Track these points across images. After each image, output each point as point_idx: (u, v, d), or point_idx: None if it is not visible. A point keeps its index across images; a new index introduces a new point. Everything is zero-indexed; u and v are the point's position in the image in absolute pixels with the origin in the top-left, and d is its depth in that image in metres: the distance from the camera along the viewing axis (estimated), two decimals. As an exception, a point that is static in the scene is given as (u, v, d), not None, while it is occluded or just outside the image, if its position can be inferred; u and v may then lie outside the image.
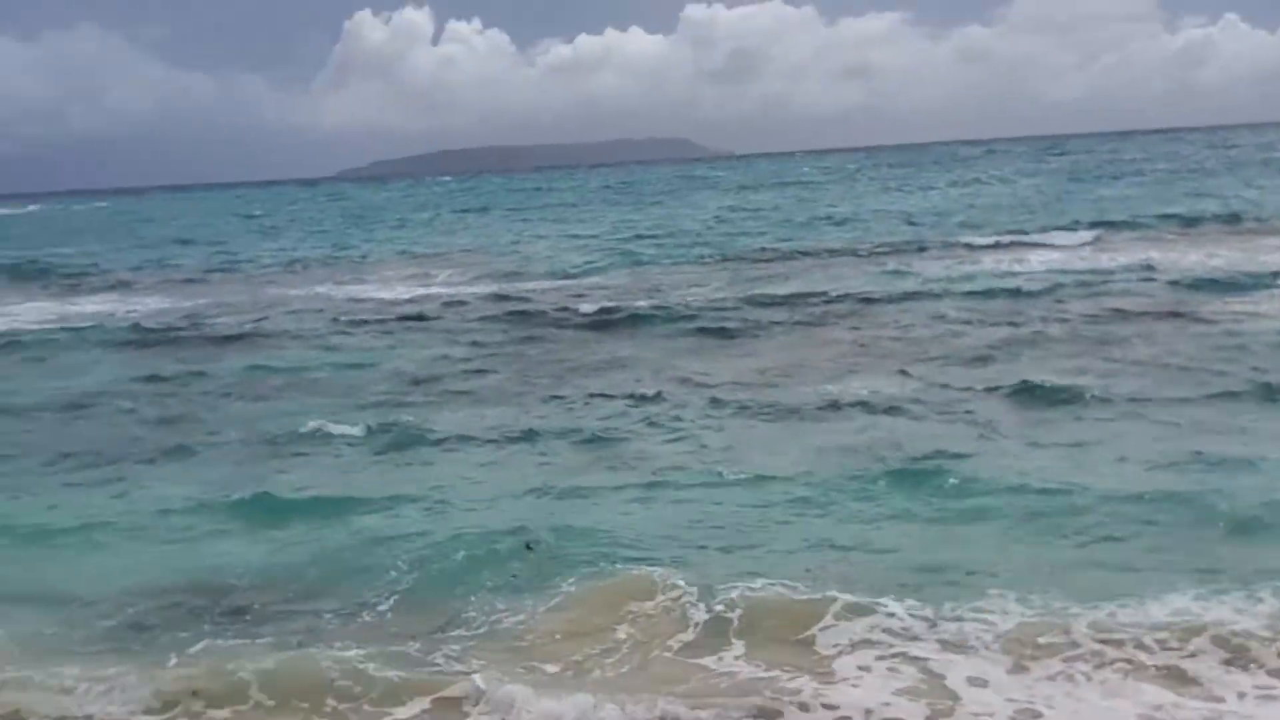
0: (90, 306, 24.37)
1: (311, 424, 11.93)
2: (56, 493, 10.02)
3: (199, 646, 6.69)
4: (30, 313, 23.53)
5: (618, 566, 7.48)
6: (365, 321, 19.66)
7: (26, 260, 36.21)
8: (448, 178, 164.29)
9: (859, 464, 9.62)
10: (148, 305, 24.16)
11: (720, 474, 9.54)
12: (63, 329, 20.31)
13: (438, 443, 11.00)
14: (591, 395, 12.88)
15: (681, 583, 7.11)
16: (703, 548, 7.86)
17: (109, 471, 10.71)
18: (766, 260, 26.82)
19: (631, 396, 12.70)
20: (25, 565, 8.15)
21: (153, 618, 7.10)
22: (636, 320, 18.18)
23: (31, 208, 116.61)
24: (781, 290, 20.67)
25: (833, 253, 27.39)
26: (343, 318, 20.49)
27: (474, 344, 17.05)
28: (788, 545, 7.86)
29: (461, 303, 21.50)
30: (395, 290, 24.59)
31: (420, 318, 19.77)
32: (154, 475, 10.54)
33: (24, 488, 10.30)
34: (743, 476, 9.43)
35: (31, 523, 9.17)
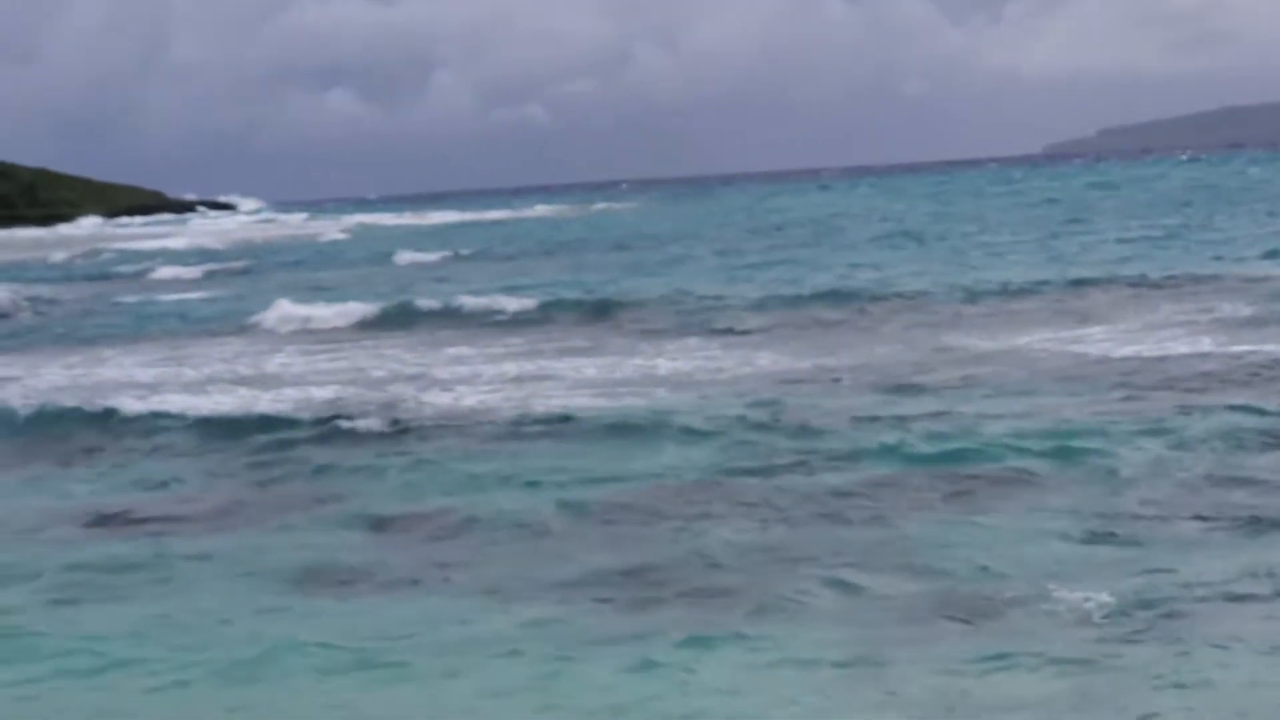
0: (665, 362, 26.19)
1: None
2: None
3: None
4: (566, 371, 25.60)
5: None
6: (1100, 396, 20.00)
7: (570, 289, 40.33)
8: (1185, 155, 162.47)
9: None
10: (753, 361, 25.64)
11: None
12: (617, 402, 21.84)
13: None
14: None
15: None
16: None
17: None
18: None
19: None
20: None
21: None
22: None
23: (539, 209, 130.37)
24: None
25: None
26: (1066, 388, 20.84)
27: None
28: None
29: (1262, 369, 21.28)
30: (1149, 344, 24.76)
31: (1176, 396, 19.71)
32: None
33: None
34: None
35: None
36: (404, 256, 64.80)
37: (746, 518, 14.93)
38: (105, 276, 67.16)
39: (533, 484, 16.95)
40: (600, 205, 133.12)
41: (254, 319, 38.18)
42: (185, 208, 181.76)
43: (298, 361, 29.99)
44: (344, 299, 40.88)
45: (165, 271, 64.64)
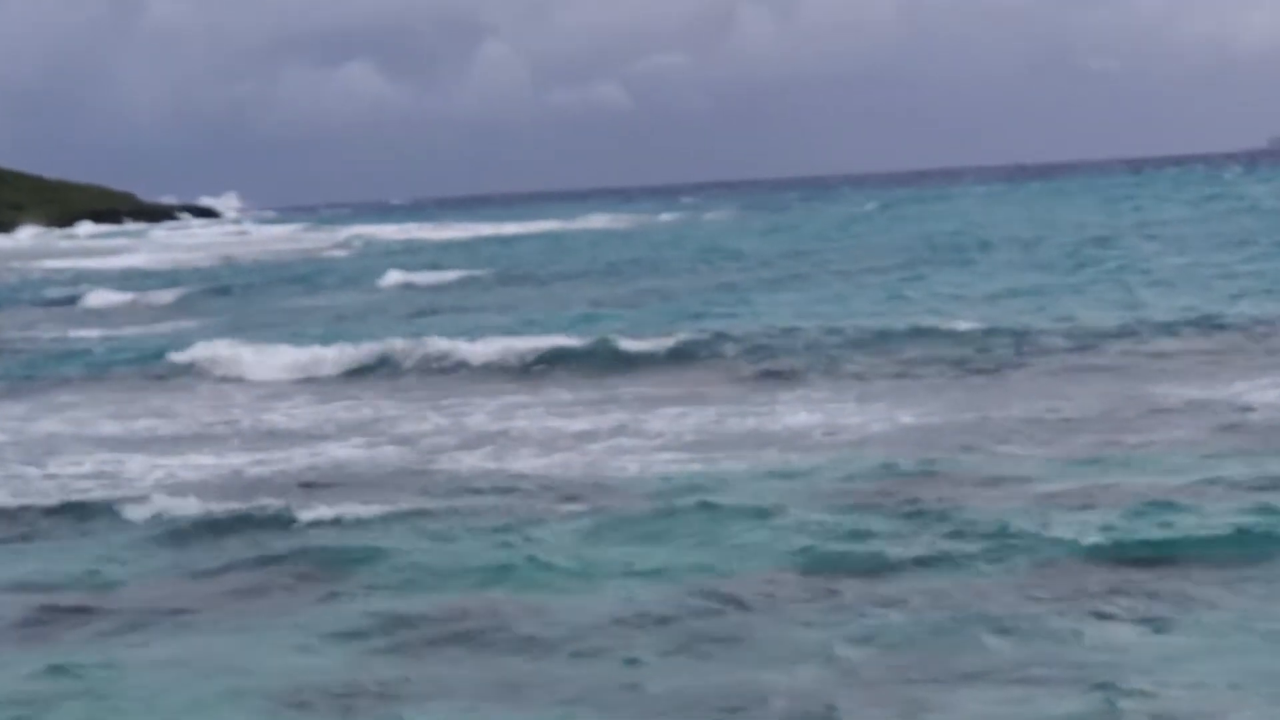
0: (785, 419, 26.56)
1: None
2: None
3: None
4: (658, 423, 26.30)
5: None
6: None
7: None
8: None
9: None
10: (885, 416, 26.02)
11: None
12: (710, 468, 22.28)
13: None
14: None
15: None
16: None
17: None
18: None
19: None
20: None
21: None
22: None
23: (595, 220, 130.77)
24: None
25: None
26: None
27: None
28: None
29: None
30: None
31: None
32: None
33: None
34: None
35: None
36: (392, 278, 66.04)
37: (868, 619, 15.05)
38: (25, 302, 68.12)
39: (596, 574, 17.09)
40: (668, 216, 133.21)
41: (185, 361, 39.42)
42: (160, 213, 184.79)
43: (226, 418, 31.01)
44: (310, 336, 42.29)
45: (98, 298, 65.81)
